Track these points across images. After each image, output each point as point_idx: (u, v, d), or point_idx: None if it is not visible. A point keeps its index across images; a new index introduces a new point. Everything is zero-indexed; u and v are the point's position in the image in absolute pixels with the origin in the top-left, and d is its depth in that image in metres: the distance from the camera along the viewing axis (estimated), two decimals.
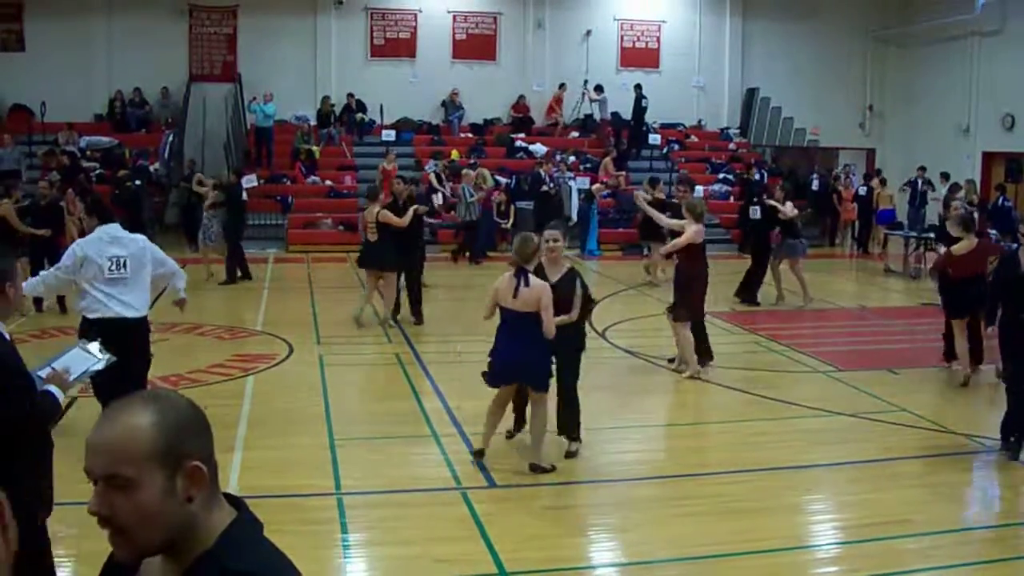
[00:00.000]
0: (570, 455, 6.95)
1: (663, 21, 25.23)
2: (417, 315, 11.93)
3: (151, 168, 20.56)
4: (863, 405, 8.49)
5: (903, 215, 21.07)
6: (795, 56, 25.18)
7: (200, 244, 15.79)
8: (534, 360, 6.52)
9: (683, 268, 9.51)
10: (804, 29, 25.23)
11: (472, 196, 18.45)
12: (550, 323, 6.41)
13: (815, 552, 5.62)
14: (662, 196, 15.09)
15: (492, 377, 6.70)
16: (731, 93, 25.74)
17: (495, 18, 24.39)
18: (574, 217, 20.26)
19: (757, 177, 20.53)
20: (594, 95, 23.78)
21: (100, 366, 4.17)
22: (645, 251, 16.57)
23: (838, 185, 22.61)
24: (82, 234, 9.53)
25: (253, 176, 18.54)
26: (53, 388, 3.68)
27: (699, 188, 18.97)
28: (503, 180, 20.66)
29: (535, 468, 6.57)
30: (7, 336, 3.58)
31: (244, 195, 16.15)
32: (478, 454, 6.79)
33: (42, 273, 6.76)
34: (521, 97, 24.28)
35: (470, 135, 23.73)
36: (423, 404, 8.34)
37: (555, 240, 6.91)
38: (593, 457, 7.06)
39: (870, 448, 7.32)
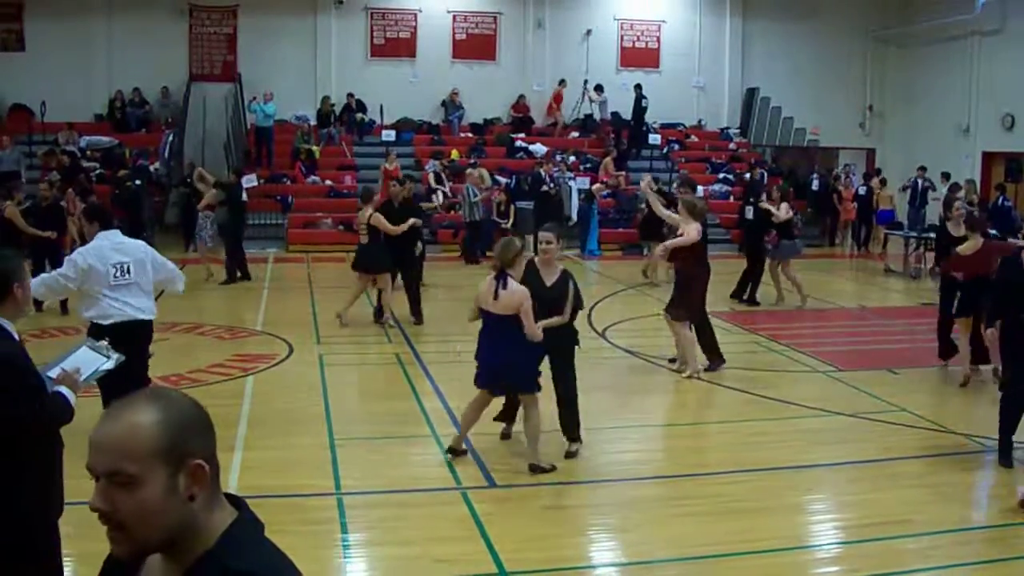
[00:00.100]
0: (570, 455, 6.95)
1: (663, 21, 25.23)
2: (417, 315, 11.93)
3: (151, 168, 20.56)
4: (863, 405, 8.49)
5: (903, 215, 21.08)
6: (795, 56, 25.18)
7: (196, 245, 15.77)
8: (516, 362, 6.50)
9: (682, 268, 9.50)
10: (804, 29, 25.23)
11: (476, 196, 18.47)
12: (532, 327, 6.40)
13: (815, 552, 5.62)
14: (665, 190, 15.13)
15: (478, 379, 6.72)
16: (731, 93, 25.74)
17: (495, 18, 24.39)
18: (574, 217, 20.28)
19: (759, 177, 20.50)
20: (594, 95, 23.79)
21: (110, 365, 4.12)
22: (645, 251, 16.57)
23: (838, 185, 22.62)
24: (81, 236, 9.53)
25: (253, 176, 18.53)
26: (64, 389, 3.65)
27: (699, 188, 18.95)
28: (503, 180, 20.66)
29: (534, 468, 6.57)
30: (16, 336, 3.57)
31: (244, 195, 16.15)
32: (451, 451, 6.81)
33: (42, 276, 6.77)
34: (521, 97, 24.28)
35: (470, 135, 23.74)
36: (423, 404, 8.34)
37: (548, 242, 6.88)
38: (593, 457, 7.06)
39: (870, 448, 7.32)
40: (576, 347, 7.04)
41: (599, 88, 23.75)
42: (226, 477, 5.99)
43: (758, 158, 24.06)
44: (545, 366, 6.84)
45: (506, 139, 23.46)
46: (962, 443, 7.47)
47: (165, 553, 1.65)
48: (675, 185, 15.29)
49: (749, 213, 14.40)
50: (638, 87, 23.46)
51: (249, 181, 17.57)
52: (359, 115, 23.03)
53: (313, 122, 22.66)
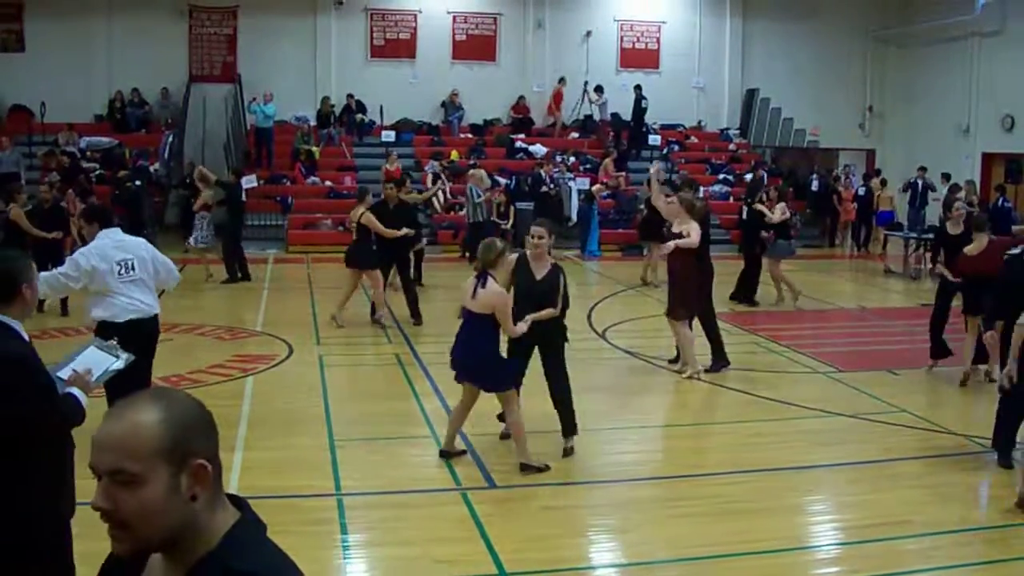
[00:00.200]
0: (567, 452, 6.95)
1: (663, 22, 25.24)
2: (416, 315, 11.94)
3: (151, 168, 20.56)
4: (863, 406, 8.49)
5: (903, 216, 21.08)
6: (795, 56, 25.19)
7: (192, 245, 15.74)
8: (484, 360, 6.52)
9: (677, 266, 9.43)
10: (804, 29, 25.24)
11: (479, 196, 18.47)
12: (510, 326, 6.44)
13: (815, 553, 5.62)
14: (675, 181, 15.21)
15: (453, 371, 6.77)
16: (731, 93, 25.75)
17: (495, 19, 24.40)
18: (574, 218, 20.27)
19: (760, 178, 20.51)
20: (594, 96, 23.79)
21: (120, 365, 4.08)
22: (644, 252, 16.57)
23: (838, 185, 22.62)
24: (82, 237, 9.52)
25: (253, 176, 18.55)
26: (76, 391, 3.62)
27: (700, 189, 18.96)
28: (503, 181, 20.66)
29: (525, 468, 6.55)
30: (26, 336, 3.56)
31: (243, 195, 16.15)
32: (443, 454, 6.83)
33: (43, 274, 6.77)
34: (521, 98, 24.28)
35: (470, 136, 23.74)
36: (423, 404, 8.34)
37: (540, 236, 6.89)
38: (593, 458, 7.07)
39: (870, 449, 7.32)
40: (566, 343, 7.04)
41: (599, 89, 23.75)
42: (226, 477, 5.95)
43: (758, 159, 24.06)
44: (539, 365, 6.84)
45: (506, 140, 23.46)
46: (962, 444, 7.47)
47: (167, 553, 1.65)
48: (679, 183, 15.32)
49: (743, 214, 14.43)
50: (638, 88, 23.46)
51: (249, 182, 17.58)
52: (359, 116, 23.02)
53: (313, 123, 22.66)
